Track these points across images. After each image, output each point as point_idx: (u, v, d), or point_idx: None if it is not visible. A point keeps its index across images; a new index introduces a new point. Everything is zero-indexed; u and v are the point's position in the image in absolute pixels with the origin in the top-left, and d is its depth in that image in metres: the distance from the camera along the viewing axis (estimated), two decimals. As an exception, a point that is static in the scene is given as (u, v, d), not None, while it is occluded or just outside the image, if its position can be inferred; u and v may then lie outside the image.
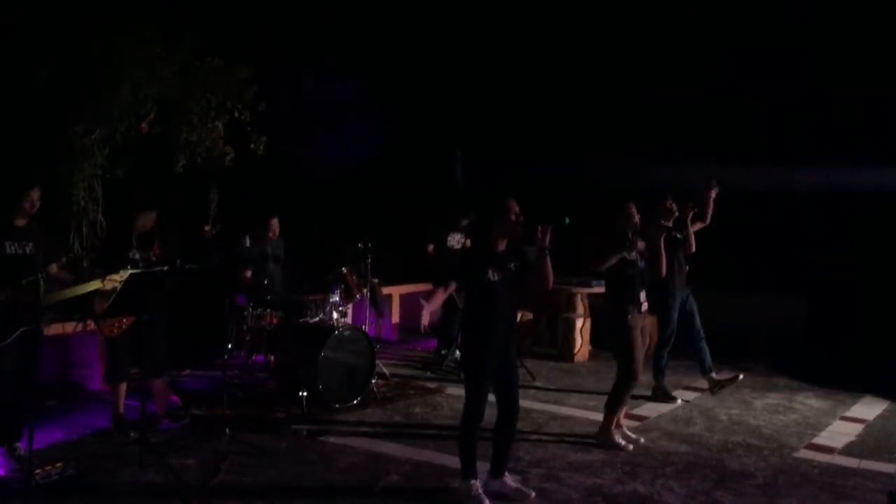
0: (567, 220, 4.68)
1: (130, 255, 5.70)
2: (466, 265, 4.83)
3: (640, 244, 5.88)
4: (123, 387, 5.80)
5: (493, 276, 4.64)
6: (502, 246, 4.73)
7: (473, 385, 4.69)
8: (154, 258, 5.81)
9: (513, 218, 4.66)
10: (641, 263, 5.86)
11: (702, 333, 7.33)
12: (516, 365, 4.93)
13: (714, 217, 7.24)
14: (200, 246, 6.91)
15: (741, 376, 7.26)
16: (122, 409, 5.78)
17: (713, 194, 7.17)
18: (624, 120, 11.31)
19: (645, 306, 5.89)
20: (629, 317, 5.78)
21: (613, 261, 5.71)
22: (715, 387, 7.38)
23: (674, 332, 7.24)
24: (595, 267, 5.79)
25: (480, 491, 4.69)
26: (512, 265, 4.73)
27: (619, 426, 6.00)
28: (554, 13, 11.73)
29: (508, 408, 4.79)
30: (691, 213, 7.03)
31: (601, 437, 5.88)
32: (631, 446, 5.80)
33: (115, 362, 5.70)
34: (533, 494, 4.81)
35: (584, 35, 11.64)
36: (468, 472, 4.70)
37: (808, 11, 10.18)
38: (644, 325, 5.98)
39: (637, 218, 5.82)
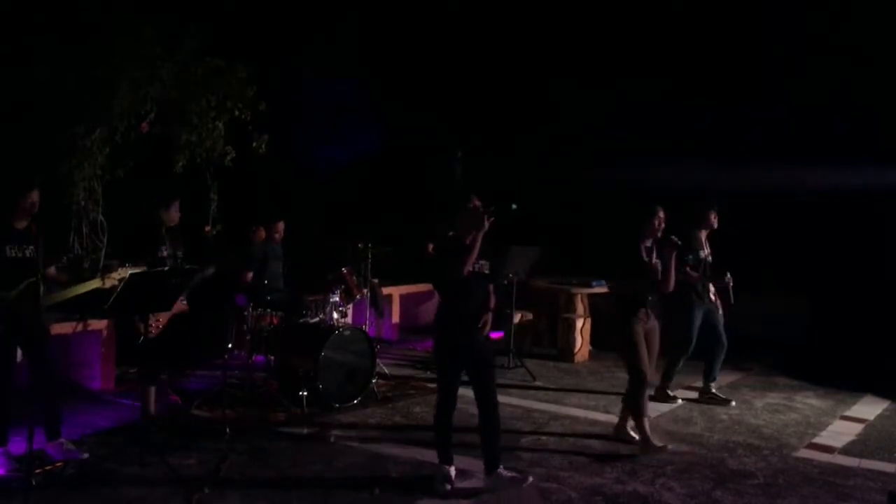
0: (514, 207, 4.80)
1: (160, 252, 5.72)
2: (443, 262, 4.90)
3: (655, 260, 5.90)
4: (154, 388, 5.83)
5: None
6: (469, 239, 4.81)
7: (445, 378, 4.90)
8: (181, 255, 5.84)
9: (474, 211, 4.79)
10: (655, 265, 5.88)
11: (724, 344, 7.24)
12: (491, 359, 5.06)
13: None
14: (202, 246, 6.90)
15: (733, 403, 7.26)
16: (153, 409, 5.80)
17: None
18: (626, 120, 11.30)
19: (652, 314, 5.90)
20: (632, 319, 5.78)
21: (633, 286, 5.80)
22: (705, 396, 7.37)
23: (692, 341, 7.18)
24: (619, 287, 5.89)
25: (452, 474, 4.91)
26: (481, 261, 4.86)
27: (623, 427, 6.04)
28: (554, 13, 11.72)
29: (486, 403, 4.92)
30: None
31: (644, 447, 5.71)
32: (671, 446, 5.78)
33: (151, 363, 5.72)
34: (531, 479, 4.89)
35: (586, 35, 11.64)
36: (443, 457, 4.95)
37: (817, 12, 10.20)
38: (652, 329, 5.95)
39: (662, 225, 5.84)
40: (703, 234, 7.20)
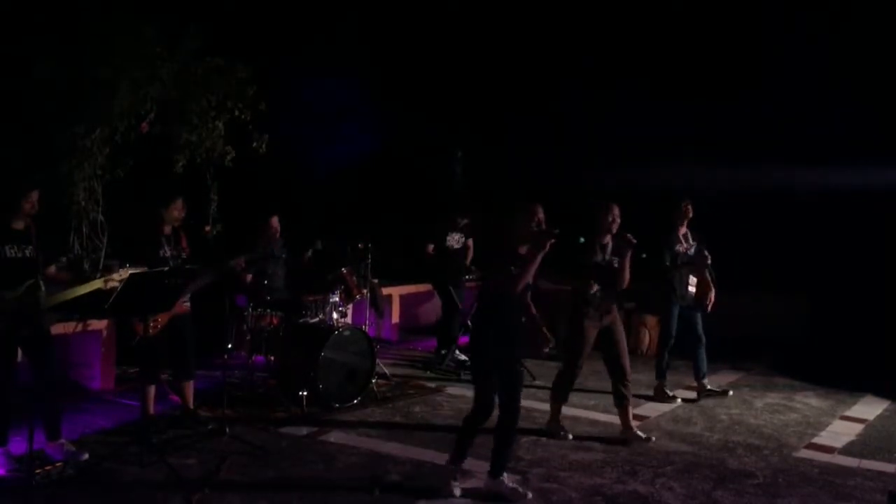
0: (582, 240, 4.72)
1: (161, 253, 5.69)
2: (496, 267, 4.81)
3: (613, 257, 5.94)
4: (153, 388, 5.82)
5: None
6: (523, 249, 4.75)
7: (482, 387, 4.78)
8: (185, 256, 5.81)
9: (536, 227, 4.70)
10: (610, 261, 5.91)
11: (702, 340, 7.32)
12: (521, 369, 5.00)
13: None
14: (203, 246, 6.89)
15: (731, 393, 7.30)
16: (151, 409, 5.80)
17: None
18: (626, 119, 11.30)
19: (608, 307, 5.94)
20: (584, 319, 5.89)
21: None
22: (702, 392, 7.39)
23: (671, 335, 7.26)
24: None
25: (457, 476, 4.89)
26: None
27: (629, 427, 6.06)
28: (554, 11, 11.72)
29: (509, 410, 4.82)
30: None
31: (548, 426, 6.11)
32: (570, 436, 6.00)
33: (149, 363, 5.73)
34: (530, 495, 4.80)
35: (586, 35, 11.64)
36: (458, 457, 4.91)
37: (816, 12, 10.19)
38: (611, 325, 5.99)
39: (615, 221, 5.87)
40: (681, 231, 7.21)
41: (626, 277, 5.92)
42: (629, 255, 5.86)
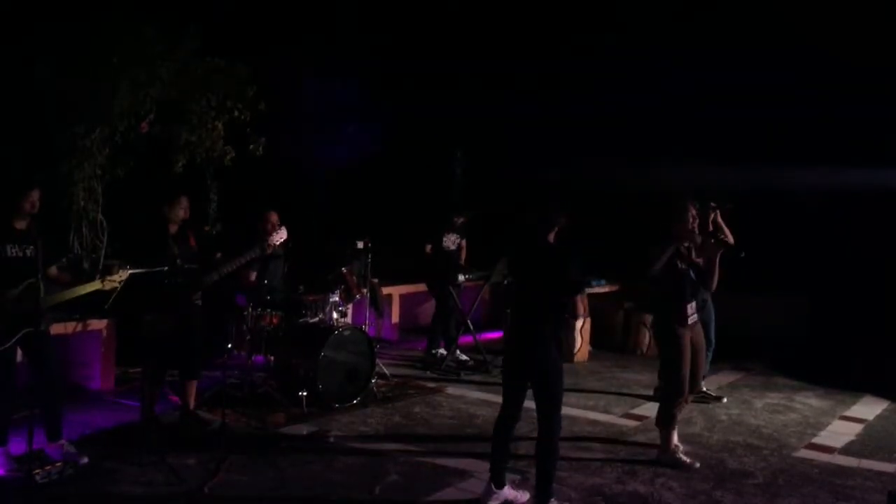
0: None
1: (168, 252, 5.68)
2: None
3: (698, 258, 5.66)
4: (154, 388, 5.83)
5: None
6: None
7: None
8: (194, 252, 5.80)
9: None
10: (692, 274, 5.61)
11: (713, 343, 7.11)
12: None
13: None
14: (205, 246, 6.88)
15: (724, 400, 7.27)
16: (152, 409, 5.80)
17: (714, 217, 6.86)
18: (625, 119, 11.30)
19: (694, 318, 5.62)
20: (677, 328, 5.52)
21: (666, 256, 5.39)
22: (697, 394, 7.35)
23: None
24: (652, 269, 5.40)
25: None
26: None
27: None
28: (554, 13, 11.74)
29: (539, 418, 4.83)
30: (713, 215, 6.78)
31: (663, 456, 5.56)
32: (697, 464, 5.51)
33: (157, 363, 5.74)
34: (528, 495, 4.80)
35: (585, 34, 11.65)
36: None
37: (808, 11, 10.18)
38: (694, 336, 5.66)
39: (695, 223, 5.59)
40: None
41: (715, 280, 5.65)
42: (719, 255, 5.62)
